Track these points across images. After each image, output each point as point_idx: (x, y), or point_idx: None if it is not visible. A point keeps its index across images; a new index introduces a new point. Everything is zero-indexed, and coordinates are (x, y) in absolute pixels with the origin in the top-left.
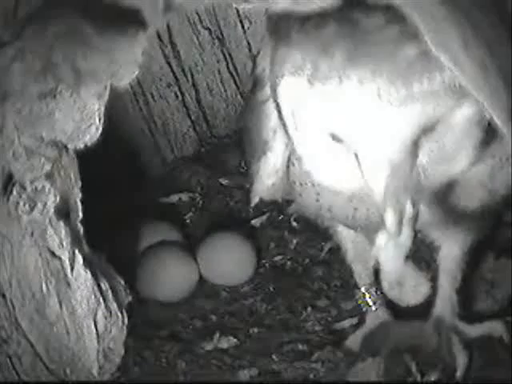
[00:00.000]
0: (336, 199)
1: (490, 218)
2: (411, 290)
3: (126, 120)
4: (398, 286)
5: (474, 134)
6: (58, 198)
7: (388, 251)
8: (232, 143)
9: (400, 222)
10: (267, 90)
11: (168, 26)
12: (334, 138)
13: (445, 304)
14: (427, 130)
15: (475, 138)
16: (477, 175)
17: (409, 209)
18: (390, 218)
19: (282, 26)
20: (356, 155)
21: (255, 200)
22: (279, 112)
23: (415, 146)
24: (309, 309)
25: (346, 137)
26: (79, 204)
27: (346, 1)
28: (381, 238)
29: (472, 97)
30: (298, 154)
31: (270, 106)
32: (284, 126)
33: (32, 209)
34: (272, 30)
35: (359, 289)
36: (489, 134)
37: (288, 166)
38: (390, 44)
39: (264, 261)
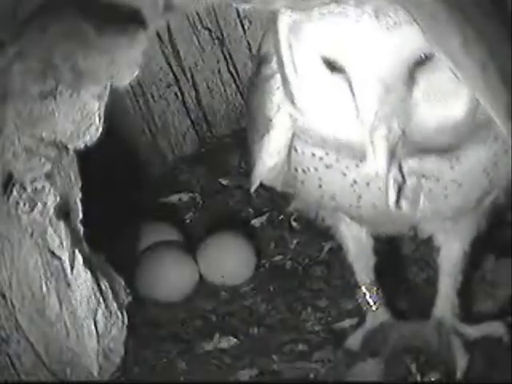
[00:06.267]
0: (339, 185)
1: (489, 212)
2: None
3: (126, 120)
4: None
5: None
6: (58, 198)
7: None
8: (232, 143)
9: (390, 150)
10: (273, 65)
11: (168, 26)
12: (329, 65)
13: (445, 304)
14: (421, 61)
15: None
16: (481, 161)
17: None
18: (379, 150)
19: None
20: (350, 81)
21: (256, 183)
22: (280, 59)
23: (410, 77)
24: (309, 309)
25: (340, 59)
26: (79, 204)
27: None
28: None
29: None
30: (300, 107)
31: (275, 82)
32: (284, 79)
33: (32, 209)
34: None
35: (359, 288)
36: None
37: (290, 153)
38: None
39: (264, 261)
